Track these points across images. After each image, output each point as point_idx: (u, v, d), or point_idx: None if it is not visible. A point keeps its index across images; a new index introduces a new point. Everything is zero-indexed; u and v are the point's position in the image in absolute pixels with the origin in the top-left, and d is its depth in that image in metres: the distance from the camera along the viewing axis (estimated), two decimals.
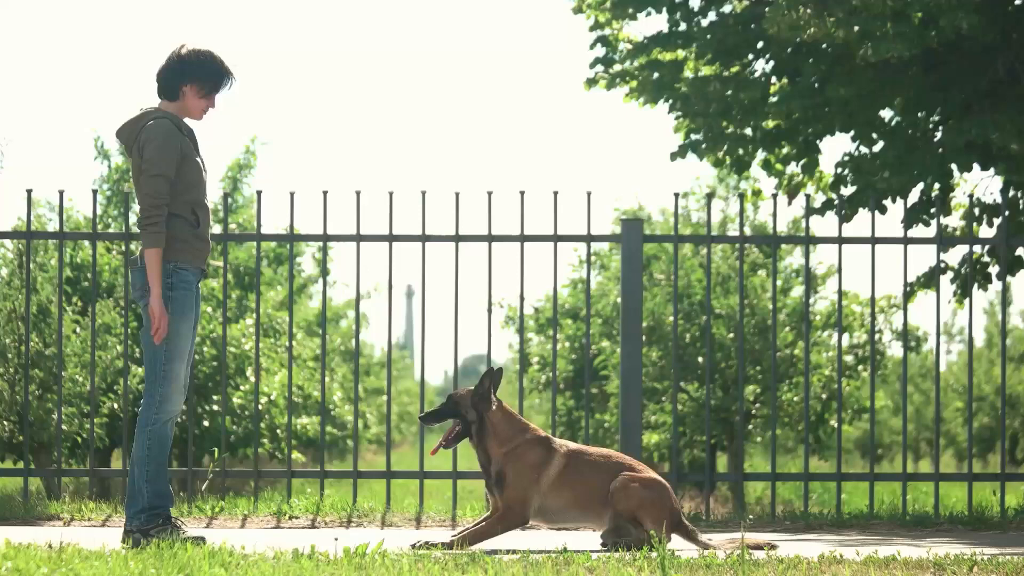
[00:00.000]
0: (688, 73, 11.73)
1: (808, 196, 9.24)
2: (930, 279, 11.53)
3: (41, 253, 12.10)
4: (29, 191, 8.82)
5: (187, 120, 6.78)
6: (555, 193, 8.78)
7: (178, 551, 5.81)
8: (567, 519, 6.79)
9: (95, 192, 8.89)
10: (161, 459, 6.61)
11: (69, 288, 13.40)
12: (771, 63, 11.52)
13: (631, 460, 6.73)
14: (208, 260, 6.79)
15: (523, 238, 8.86)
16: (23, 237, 9.29)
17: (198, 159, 6.72)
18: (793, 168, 12.09)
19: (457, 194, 8.82)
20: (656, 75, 11.64)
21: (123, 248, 9.67)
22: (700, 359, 15.34)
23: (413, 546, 6.50)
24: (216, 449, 9.01)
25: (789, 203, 12.17)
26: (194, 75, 6.68)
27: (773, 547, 6.45)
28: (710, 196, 9.07)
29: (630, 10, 11.61)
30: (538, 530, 7.76)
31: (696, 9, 11.59)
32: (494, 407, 6.69)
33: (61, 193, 8.92)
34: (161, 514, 6.59)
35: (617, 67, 11.97)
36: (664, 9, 11.62)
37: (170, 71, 6.69)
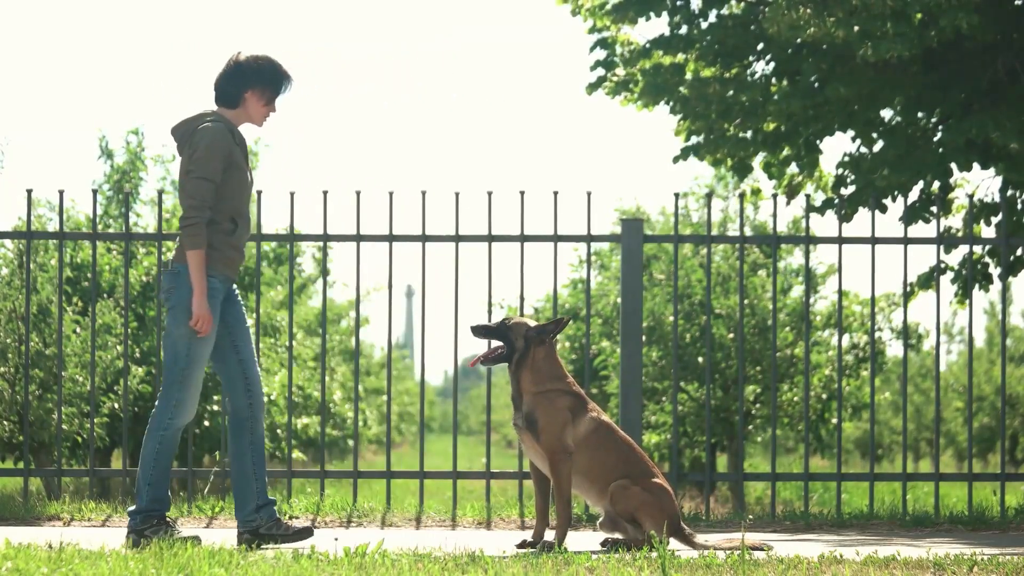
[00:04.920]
0: (688, 75, 11.72)
1: (808, 196, 9.23)
2: (929, 279, 11.53)
3: (41, 253, 12.09)
4: (29, 191, 8.82)
5: (243, 128, 6.77)
6: (555, 193, 8.78)
7: (178, 551, 5.82)
8: (573, 484, 6.67)
9: (95, 192, 8.89)
10: (166, 464, 6.63)
11: (69, 288, 13.40)
12: (771, 64, 11.52)
13: (648, 458, 6.71)
14: (239, 269, 6.77)
15: (523, 238, 8.85)
16: (23, 237, 9.29)
17: (246, 169, 6.70)
18: (794, 169, 12.08)
19: (457, 194, 8.82)
20: (657, 78, 11.62)
21: (123, 248, 9.66)
22: (700, 359, 15.33)
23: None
24: (217, 451, 9.02)
25: (788, 203, 12.16)
26: (256, 81, 6.66)
27: (767, 547, 6.42)
28: (710, 196, 9.06)
29: (630, 14, 11.59)
30: None
31: (696, 11, 11.58)
32: (544, 344, 6.65)
33: (61, 193, 8.92)
34: (156, 516, 6.61)
35: (619, 71, 11.93)
36: (664, 12, 11.60)
37: (231, 78, 6.67)
